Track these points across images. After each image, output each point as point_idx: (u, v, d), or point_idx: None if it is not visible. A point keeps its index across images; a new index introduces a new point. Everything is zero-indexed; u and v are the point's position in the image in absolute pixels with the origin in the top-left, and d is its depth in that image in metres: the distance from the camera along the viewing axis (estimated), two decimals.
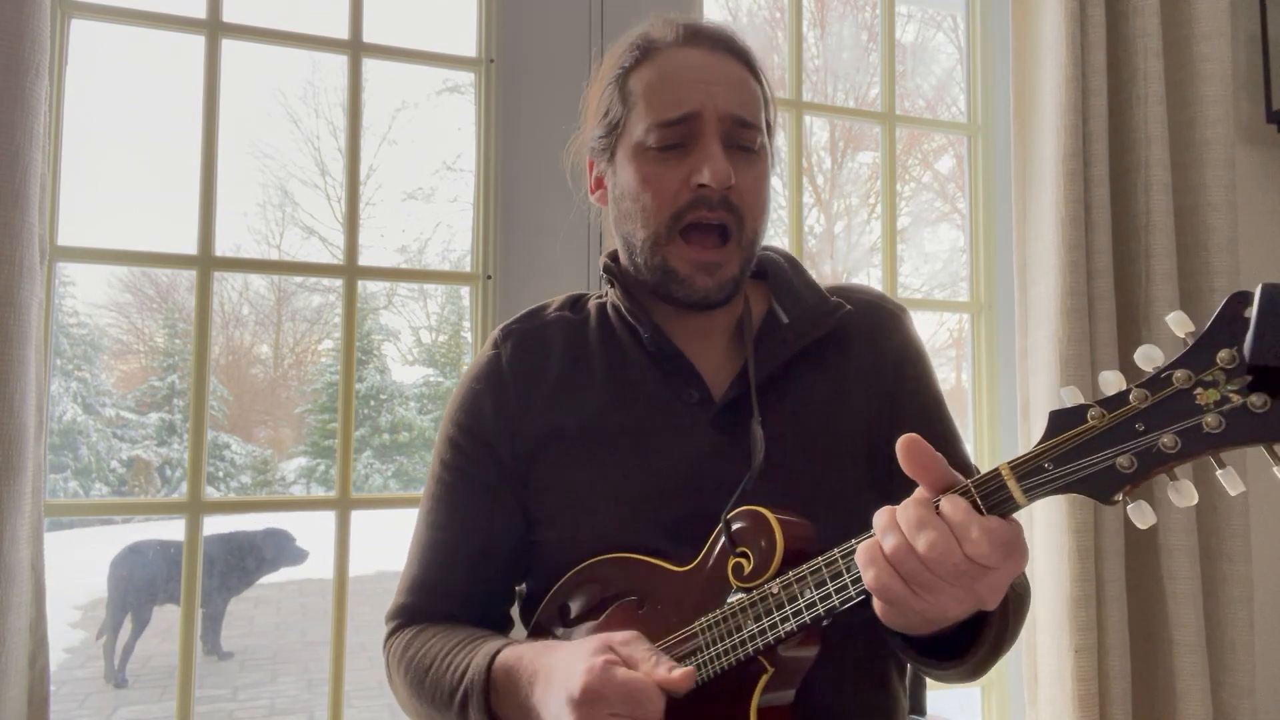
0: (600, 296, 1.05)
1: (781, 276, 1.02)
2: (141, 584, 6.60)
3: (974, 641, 0.82)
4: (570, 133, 1.53)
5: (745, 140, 0.93)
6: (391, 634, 1.00)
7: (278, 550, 6.99)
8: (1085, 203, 1.53)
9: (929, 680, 1.10)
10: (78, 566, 8.00)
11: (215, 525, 7.08)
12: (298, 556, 7.06)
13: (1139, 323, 1.57)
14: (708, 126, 0.91)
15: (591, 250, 1.50)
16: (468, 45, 1.52)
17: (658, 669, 0.75)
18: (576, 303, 1.05)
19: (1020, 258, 1.61)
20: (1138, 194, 1.58)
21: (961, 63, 1.93)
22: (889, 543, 0.69)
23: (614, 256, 1.03)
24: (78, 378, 12.10)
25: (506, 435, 0.97)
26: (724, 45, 0.95)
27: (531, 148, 1.48)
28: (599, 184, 1.02)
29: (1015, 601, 0.89)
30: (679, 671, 0.74)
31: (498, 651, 0.85)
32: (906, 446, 0.71)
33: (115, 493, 11.79)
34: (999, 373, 1.80)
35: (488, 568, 0.98)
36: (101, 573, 6.74)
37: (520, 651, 0.84)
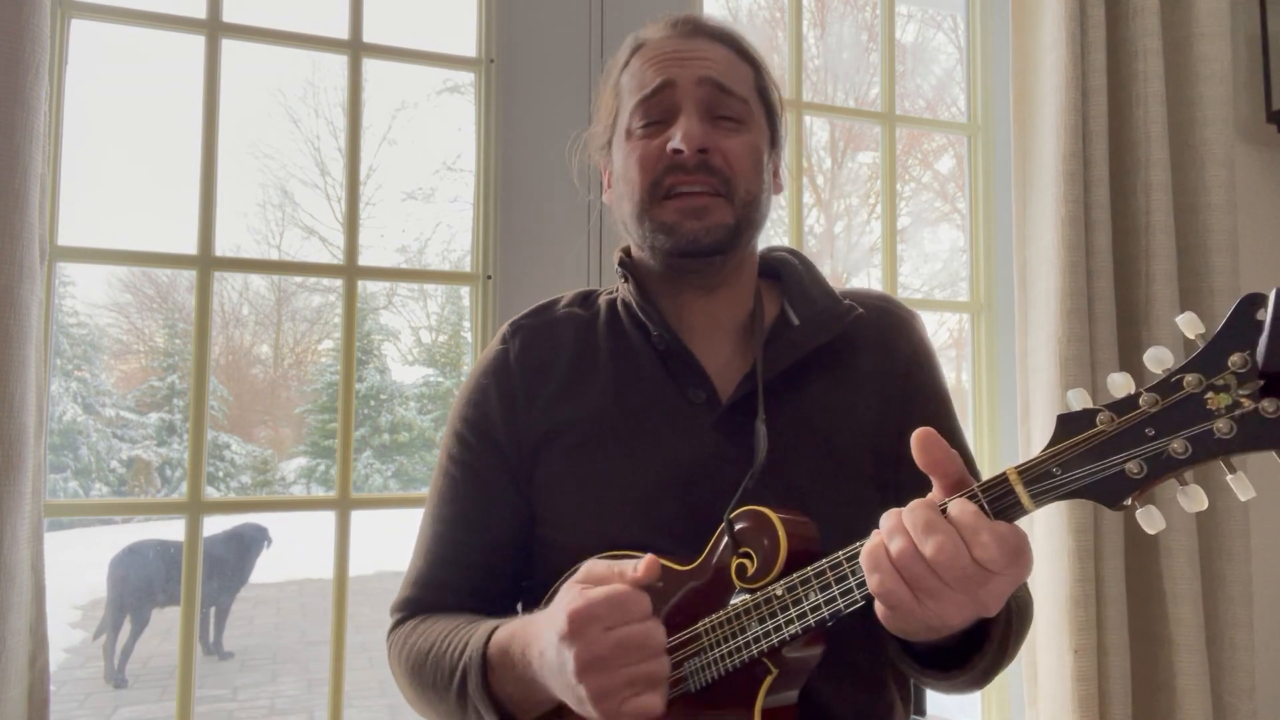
0: (611, 292, 1.05)
1: (794, 277, 1.02)
2: (140, 585, 6.60)
3: (976, 652, 0.82)
4: (572, 132, 1.53)
5: (728, 109, 0.94)
6: (395, 626, 1.00)
7: (253, 541, 7.02)
8: (1085, 203, 1.53)
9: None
10: (78, 566, 8.00)
11: (211, 526, 7.09)
12: (265, 542, 7.09)
13: (1139, 323, 1.56)
14: (684, 97, 0.93)
15: (591, 250, 1.50)
16: (468, 45, 1.52)
17: (625, 574, 0.75)
18: (587, 299, 1.05)
19: (1020, 258, 1.61)
20: (1138, 194, 1.58)
21: (961, 63, 1.93)
22: (895, 546, 0.68)
23: (629, 251, 1.03)
24: (78, 378, 12.10)
25: (513, 431, 0.96)
26: (704, 31, 0.97)
27: (531, 148, 1.48)
28: (609, 182, 1.03)
29: (1018, 613, 0.89)
30: (642, 565, 0.75)
31: (493, 631, 0.85)
32: (921, 439, 0.71)
33: (115, 493, 11.79)
34: (999, 373, 1.80)
35: (492, 563, 0.98)
36: (101, 573, 6.75)
37: (511, 629, 0.84)
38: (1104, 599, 1.48)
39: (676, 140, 0.90)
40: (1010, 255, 1.70)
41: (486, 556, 0.98)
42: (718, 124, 0.93)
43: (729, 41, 0.98)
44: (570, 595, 0.75)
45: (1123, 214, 1.59)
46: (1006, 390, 1.77)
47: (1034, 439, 1.56)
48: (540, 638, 0.78)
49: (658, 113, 0.93)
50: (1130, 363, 1.56)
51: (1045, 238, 1.55)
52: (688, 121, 0.91)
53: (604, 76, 1.04)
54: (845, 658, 0.86)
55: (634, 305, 0.98)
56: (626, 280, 0.99)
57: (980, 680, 0.86)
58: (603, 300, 1.04)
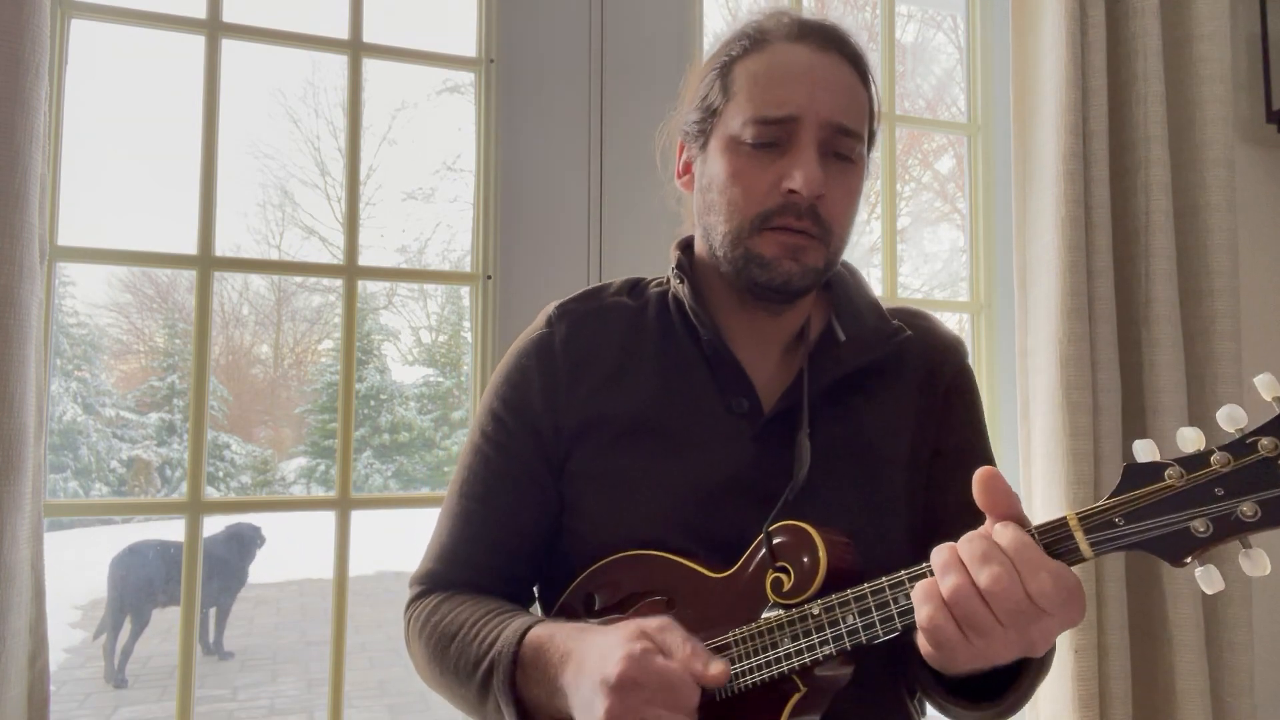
0: (660, 284, 1.03)
1: (844, 292, 1.00)
2: (140, 585, 6.60)
3: (1009, 685, 0.81)
4: (571, 132, 1.53)
5: (843, 148, 0.90)
6: (415, 599, 0.99)
7: (250, 540, 7.02)
8: (1085, 203, 1.53)
9: None
10: (78, 566, 8.01)
11: (211, 526, 7.09)
12: (259, 540, 7.10)
13: (1139, 323, 1.57)
14: (807, 131, 0.88)
15: (591, 250, 1.50)
16: (468, 45, 1.52)
17: (695, 662, 0.74)
18: (635, 287, 1.03)
19: (1020, 258, 1.61)
20: (1138, 194, 1.58)
21: (961, 63, 1.93)
22: (949, 583, 0.68)
23: (684, 247, 1.01)
24: (78, 378, 12.10)
25: (550, 416, 0.95)
26: (836, 46, 0.92)
27: (531, 148, 1.48)
28: (687, 169, 0.99)
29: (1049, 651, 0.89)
30: (715, 667, 0.74)
31: (528, 628, 0.84)
32: (984, 480, 0.70)
33: (115, 493, 11.79)
34: (999, 373, 1.80)
35: (517, 545, 0.97)
36: (101, 573, 6.75)
37: (551, 631, 0.83)
38: (1104, 598, 1.48)
39: (797, 182, 0.86)
40: (1010, 255, 1.70)
41: (512, 538, 0.97)
42: (829, 162, 0.89)
43: (857, 63, 0.93)
44: (631, 649, 0.73)
45: (1123, 214, 1.59)
46: (1006, 390, 1.77)
47: (1034, 439, 1.56)
48: (582, 657, 0.77)
49: (775, 136, 0.89)
50: (1130, 363, 1.57)
51: (1045, 238, 1.55)
52: (808, 164, 0.87)
53: (708, 54, 0.98)
54: (865, 669, 0.85)
55: (687, 307, 0.96)
56: (682, 282, 0.97)
57: (1006, 713, 0.85)
58: (652, 291, 1.02)
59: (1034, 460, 1.56)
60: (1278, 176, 1.90)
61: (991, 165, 1.84)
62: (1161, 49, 1.58)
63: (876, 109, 0.96)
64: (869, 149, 0.95)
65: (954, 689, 0.84)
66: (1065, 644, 1.47)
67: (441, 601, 0.95)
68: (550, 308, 1.01)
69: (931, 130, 4.52)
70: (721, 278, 0.96)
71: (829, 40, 0.91)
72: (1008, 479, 0.71)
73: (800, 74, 0.89)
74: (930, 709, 1.02)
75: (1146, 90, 1.56)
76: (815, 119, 0.88)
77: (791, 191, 0.87)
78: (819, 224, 0.89)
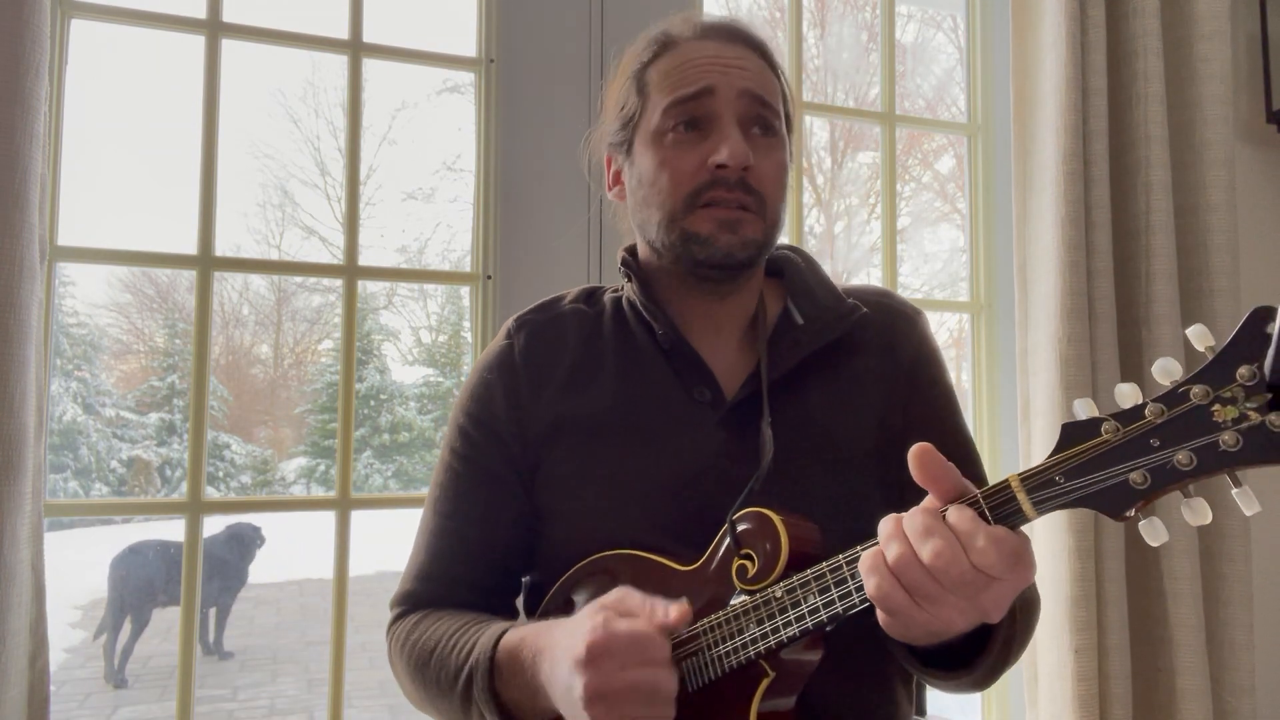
0: (616, 290, 1.05)
1: (797, 276, 1.02)
2: (140, 585, 6.60)
3: (979, 653, 0.82)
4: (571, 132, 1.53)
5: (762, 123, 0.92)
6: (395, 620, 1.00)
7: (250, 540, 7.02)
8: (1085, 203, 1.53)
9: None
10: (78, 566, 8.00)
11: (211, 526, 7.09)
12: (259, 540, 7.10)
13: (1139, 323, 1.56)
14: (724, 106, 0.91)
15: (591, 250, 1.50)
16: (468, 45, 1.53)
17: (656, 614, 0.75)
18: (591, 295, 1.05)
19: (1020, 258, 1.61)
20: (1138, 194, 1.58)
21: (961, 63, 1.93)
22: (892, 551, 0.68)
23: (632, 250, 1.02)
24: (78, 378, 12.10)
25: (516, 425, 0.96)
26: (740, 38, 0.96)
27: (531, 148, 1.48)
28: (617, 179, 1.01)
29: (1024, 612, 0.88)
30: (675, 610, 0.75)
31: (502, 634, 0.84)
32: (918, 455, 0.70)
33: (115, 493, 11.78)
34: (999, 373, 1.80)
35: (494, 557, 0.98)
36: (101, 573, 6.75)
37: (522, 634, 0.83)
38: (1104, 599, 1.48)
39: (722, 156, 0.89)
40: (1010, 255, 1.70)
41: (488, 551, 0.97)
42: (753, 136, 0.92)
43: (763, 52, 0.96)
44: (594, 621, 0.74)
45: (1123, 214, 1.59)
46: (1006, 390, 1.77)
47: (1034, 439, 1.56)
48: (553, 650, 0.78)
49: (694, 114, 0.91)
50: (1130, 363, 1.56)
51: (1045, 238, 1.55)
52: (732, 136, 0.90)
53: (615, 68, 1.02)
54: (850, 657, 0.86)
55: (639, 304, 0.97)
56: (629, 279, 0.99)
57: (985, 680, 0.86)
58: (607, 298, 1.04)
59: (1034, 462, 1.55)
60: (1278, 176, 1.90)
61: (991, 165, 1.84)
62: (1161, 49, 1.58)
63: (789, 95, 0.99)
64: (790, 133, 0.99)
65: (925, 659, 0.85)
66: (1065, 644, 1.47)
67: (420, 620, 0.96)
68: (509, 321, 1.03)
69: (931, 130, 4.52)
70: (666, 271, 0.97)
71: (733, 34, 0.96)
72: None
73: (710, 59, 0.93)
74: (930, 707, 1.02)
75: (1146, 90, 1.56)
76: (731, 91, 0.91)
77: (720, 166, 0.89)
78: (751, 194, 0.91)
